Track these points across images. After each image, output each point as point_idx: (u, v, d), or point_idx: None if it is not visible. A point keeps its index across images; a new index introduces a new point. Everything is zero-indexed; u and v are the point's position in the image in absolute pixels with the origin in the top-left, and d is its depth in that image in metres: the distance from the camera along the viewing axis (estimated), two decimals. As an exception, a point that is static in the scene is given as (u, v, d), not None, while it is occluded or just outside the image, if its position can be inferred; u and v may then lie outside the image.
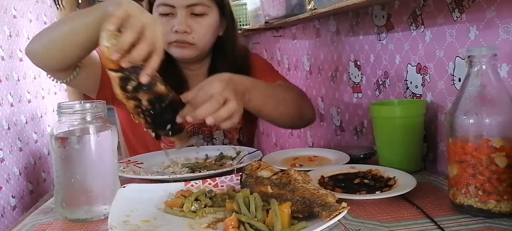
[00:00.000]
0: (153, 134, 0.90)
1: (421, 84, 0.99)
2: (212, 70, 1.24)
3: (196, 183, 0.82)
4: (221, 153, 1.11)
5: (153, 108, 0.84)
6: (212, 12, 1.17)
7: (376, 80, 1.19)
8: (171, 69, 1.21)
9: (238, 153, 1.10)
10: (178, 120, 0.88)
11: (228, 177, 0.84)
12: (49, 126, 2.29)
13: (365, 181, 0.83)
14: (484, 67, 0.66)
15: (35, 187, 2.00)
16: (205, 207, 0.73)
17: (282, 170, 0.77)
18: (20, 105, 1.95)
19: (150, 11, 1.18)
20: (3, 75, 1.80)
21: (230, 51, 1.23)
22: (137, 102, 0.82)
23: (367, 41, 1.21)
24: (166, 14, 1.15)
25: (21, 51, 2.04)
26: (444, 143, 0.93)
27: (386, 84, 1.14)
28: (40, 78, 2.28)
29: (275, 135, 2.23)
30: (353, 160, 0.99)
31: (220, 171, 0.94)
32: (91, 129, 0.75)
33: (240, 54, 1.25)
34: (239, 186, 0.79)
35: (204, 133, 1.25)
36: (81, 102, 0.77)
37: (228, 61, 1.22)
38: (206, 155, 1.12)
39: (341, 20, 1.35)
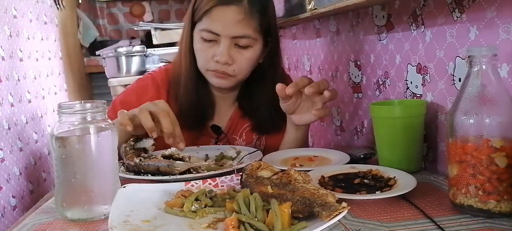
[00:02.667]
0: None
1: (421, 84, 0.99)
2: (246, 95, 1.23)
3: (196, 183, 0.82)
4: (222, 153, 1.11)
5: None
6: (257, 44, 1.12)
7: (376, 80, 1.19)
8: (201, 89, 1.20)
9: (238, 153, 1.10)
10: (287, 90, 1.01)
11: (228, 177, 0.84)
12: (49, 126, 2.29)
13: (365, 181, 0.83)
14: (484, 67, 0.66)
15: (35, 187, 2.00)
16: (205, 207, 0.73)
17: (282, 170, 0.77)
18: (21, 105, 1.95)
19: (191, 29, 1.15)
20: (4, 75, 1.80)
21: (271, 79, 1.17)
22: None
23: (367, 41, 1.21)
24: (209, 40, 1.11)
25: (21, 51, 2.04)
26: (444, 143, 0.93)
27: (386, 84, 1.14)
28: (40, 78, 2.28)
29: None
30: (353, 160, 0.99)
31: (220, 171, 0.94)
32: (92, 129, 0.75)
33: (279, 81, 1.13)
34: (239, 186, 0.79)
35: None
36: (81, 102, 0.77)
37: (267, 87, 1.18)
38: (206, 155, 1.13)
39: (341, 20, 1.35)
